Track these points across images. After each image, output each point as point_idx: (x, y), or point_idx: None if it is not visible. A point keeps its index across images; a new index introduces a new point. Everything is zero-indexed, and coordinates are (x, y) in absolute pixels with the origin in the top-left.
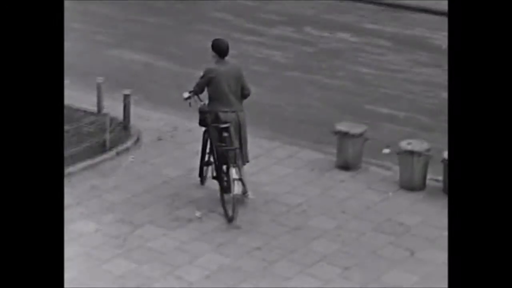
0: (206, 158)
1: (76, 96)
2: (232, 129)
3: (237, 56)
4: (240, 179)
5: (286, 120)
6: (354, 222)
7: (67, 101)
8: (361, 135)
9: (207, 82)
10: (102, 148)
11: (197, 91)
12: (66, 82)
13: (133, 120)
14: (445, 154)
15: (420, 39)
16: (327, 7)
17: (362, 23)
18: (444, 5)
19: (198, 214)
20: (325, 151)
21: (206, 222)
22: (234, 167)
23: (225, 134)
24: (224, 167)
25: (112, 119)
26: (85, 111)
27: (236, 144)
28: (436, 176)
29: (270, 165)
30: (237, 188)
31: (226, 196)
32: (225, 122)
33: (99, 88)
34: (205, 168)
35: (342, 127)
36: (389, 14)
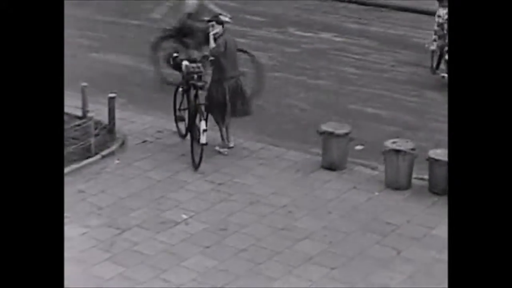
0: (181, 114)
1: None
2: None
3: None
4: (205, 130)
5: (271, 121)
6: (340, 222)
7: None
8: (346, 135)
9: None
10: (88, 152)
11: (218, 50)
12: None
13: (118, 124)
14: (430, 153)
15: (403, 38)
16: (310, 7)
17: (346, 23)
18: (427, 4)
19: (184, 216)
20: (310, 151)
21: (192, 225)
22: (203, 119)
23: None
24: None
25: (97, 123)
26: (69, 115)
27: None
28: (422, 175)
29: (256, 166)
30: (204, 138)
31: (195, 145)
32: (228, 88)
33: (83, 92)
34: (179, 123)
35: (327, 127)
36: (372, 13)
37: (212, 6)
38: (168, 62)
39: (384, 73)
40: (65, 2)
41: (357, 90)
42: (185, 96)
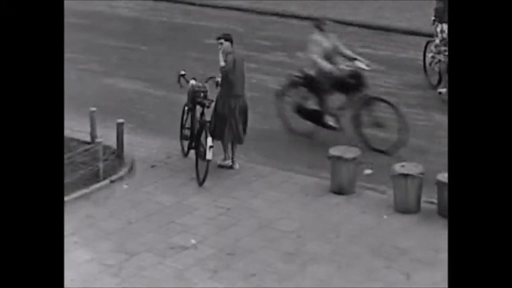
0: (185, 133)
1: (69, 125)
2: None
3: None
4: (212, 147)
5: (280, 145)
6: (349, 246)
7: None
8: (354, 159)
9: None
10: (96, 177)
11: (228, 67)
12: None
13: (126, 148)
14: (439, 176)
15: (411, 62)
16: None
17: (354, 47)
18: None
19: (193, 241)
20: (319, 175)
21: (201, 249)
22: (209, 136)
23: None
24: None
25: (106, 148)
26: (78, 140)
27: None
28: (431, 198)
29: (264, 190)
30: (210, 154)
31: (200, 162)
32: (235, 105)
33: (92, 117)
34: (183, 141)
35: (335, 151)
36: (380, 37)
37: (346, 51)
38: (298, 111)
39: (392, 96)
40: (75, 27)
41: (366, 114)
42: (189, 114)
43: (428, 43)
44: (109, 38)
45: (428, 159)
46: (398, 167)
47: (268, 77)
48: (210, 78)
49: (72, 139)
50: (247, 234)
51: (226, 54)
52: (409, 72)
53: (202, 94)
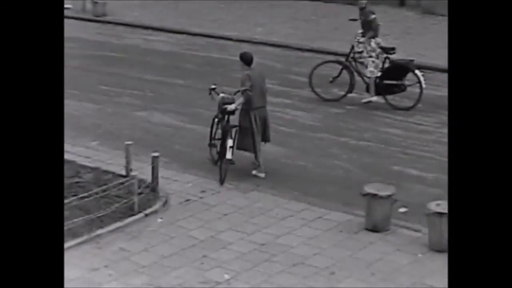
0: (215, 143)
1: (105, 158)
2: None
3: None
4: (232, 147)
5: (314, 181)
6: (383, 284)
7: (95, 163)
8: (389, 196)
9: (251, 83)
10: (131, 210)
11: (249, 95)
12: (94, 143)
13: (161, 182)
14: None
15: (447, 100)
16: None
17: None
18: None
19: (226, 276)
20: (353, 212)
21: (234, 285)
22: (230, 138)
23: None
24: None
25: (141, 181)
26: (113, 174)
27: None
28: None
29: (299, 226)
30: (229, 154)
31: (223, 162)
32: (255, 116)
33: (127, 151)
34: (212, 148)
35: (370, 189)
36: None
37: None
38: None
39: (428, 134)
40: (111, 60)
41: (401, 151)
42: (219, 125)
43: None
44: (144, 72)
45: None
46: (433, 206)
47: (303, 113)
48: (238, 91)
49: (107, 172)
50: (281, 270)
51: (242, 76)
52: (444, 110)
53: (228, 105)
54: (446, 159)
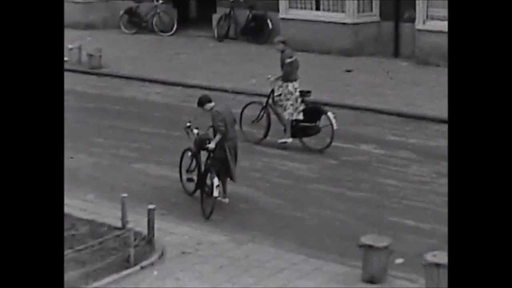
0: (190, 176)
1: (100, 210)
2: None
3: (261, 169)
4: (218, 186)
5: (310, 233)
6: None
7: (92, 216)
8: (386, 247)
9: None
10: (127, 263)
11: (223, 130)
12: (90, 196)
13: (157, 235)
14: None
15: (443, 150)
16: (349, 119)
17: (385, 135)
18: None
19: None
20: (350, 264)
21: None
22: (215, 177)
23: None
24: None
25: (136, 234)
26: (109, 226)
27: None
28: None
29: (295, 279)
30: (216, 192)
31: (205, 199)
32: (229, 147)
33: (123, 203)
34: (188, 183)
35: (367, 240)
36: (410, 125)
37: None
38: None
39: (424, 185)
40: (107, 113)
41: (397, 202)
42: (193, 159)
43: None
44: (141, 124)
45: None
46: (430, 256)
47: (299, 165)
48: (211, 126)
49: (103, 224)
50: None
51: (212, 114)
52: (441, 161)
53: (207, 141)
54: (442, 209)
